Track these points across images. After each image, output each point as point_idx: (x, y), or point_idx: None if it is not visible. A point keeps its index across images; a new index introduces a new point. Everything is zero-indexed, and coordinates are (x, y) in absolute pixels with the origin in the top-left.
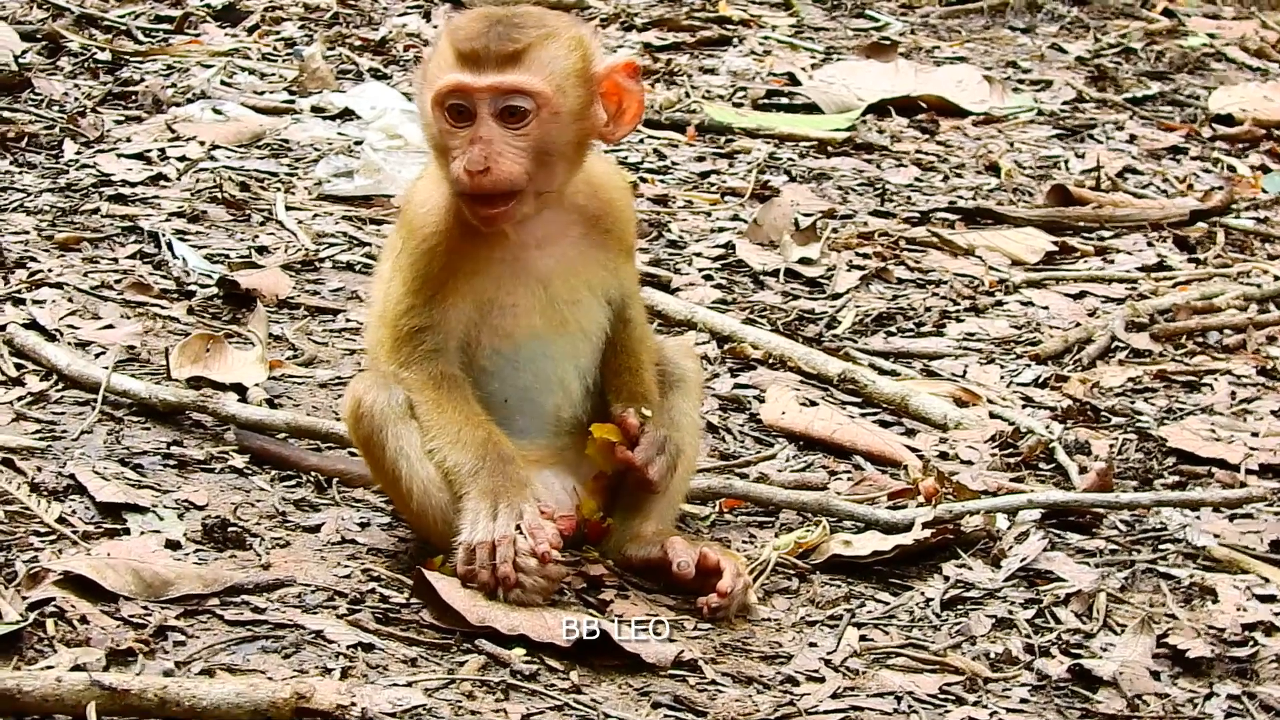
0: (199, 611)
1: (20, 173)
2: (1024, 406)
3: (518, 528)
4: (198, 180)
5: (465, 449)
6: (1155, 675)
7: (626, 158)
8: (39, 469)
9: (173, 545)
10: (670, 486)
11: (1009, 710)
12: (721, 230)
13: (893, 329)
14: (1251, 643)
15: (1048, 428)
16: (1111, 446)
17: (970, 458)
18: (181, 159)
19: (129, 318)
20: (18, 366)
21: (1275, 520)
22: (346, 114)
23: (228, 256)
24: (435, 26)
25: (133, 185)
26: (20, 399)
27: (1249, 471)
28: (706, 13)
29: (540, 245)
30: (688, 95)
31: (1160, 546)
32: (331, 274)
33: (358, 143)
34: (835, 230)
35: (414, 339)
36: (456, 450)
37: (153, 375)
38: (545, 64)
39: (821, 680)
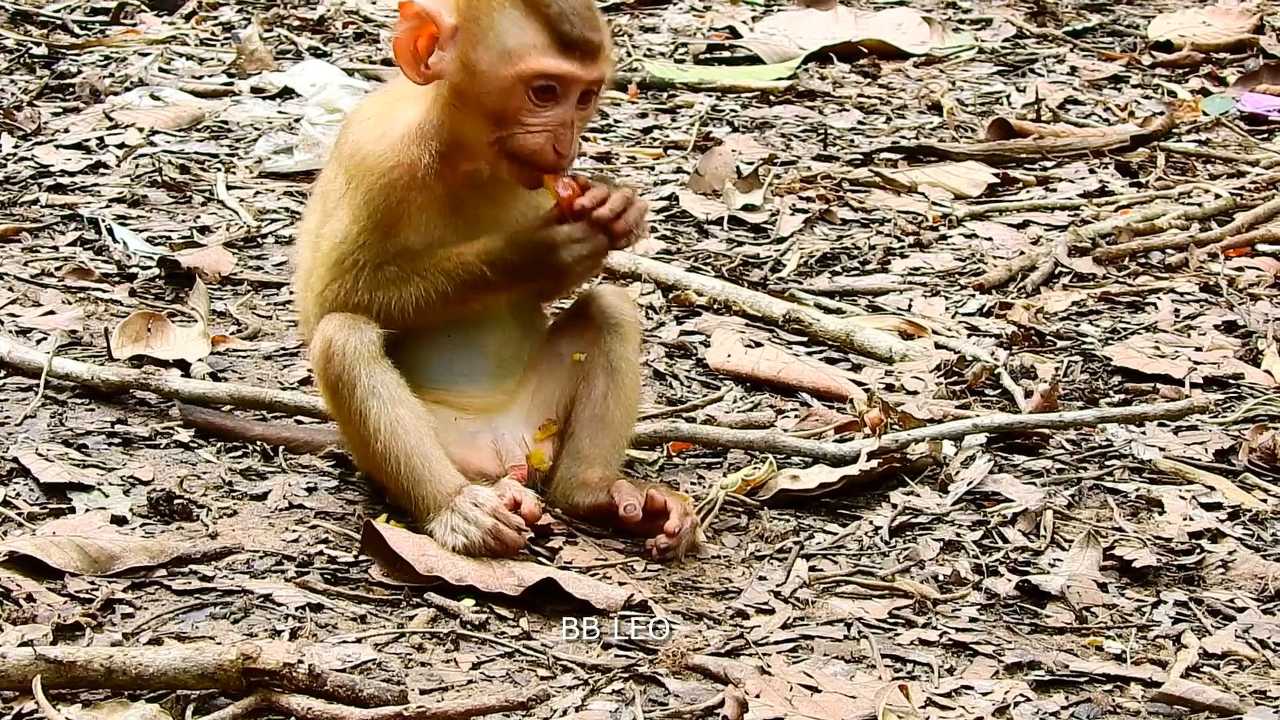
0: (146, 583)
1: None
2: (969, 336)
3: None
4: (137, 166)
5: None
6: (1103, 587)
7: None
8: None
9: (119, 521)
10: (614, 432)
11: (959, 630)
12: (665, 183)
13: (837, 269)
14: (1198, 550)
15: (993, 354)
16: (1057, 369)
17: (916, 388)
18: (120, 146)
19: (70, 303)
20: None
21: (1219, 430)
22: (286, 93)
23: (169, 238)
24: (374, 2)
25: (71, 174)
26: None
27: (1193, 385)
28: None
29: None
30: (629, 54)
31: (1106, 463)
32: (275, 249)
33: (297, 120)
34: (778, 176)
35: (377, 272)
36: None
37: (96, 358)
38: (609, 50)
39: (771, 612)
